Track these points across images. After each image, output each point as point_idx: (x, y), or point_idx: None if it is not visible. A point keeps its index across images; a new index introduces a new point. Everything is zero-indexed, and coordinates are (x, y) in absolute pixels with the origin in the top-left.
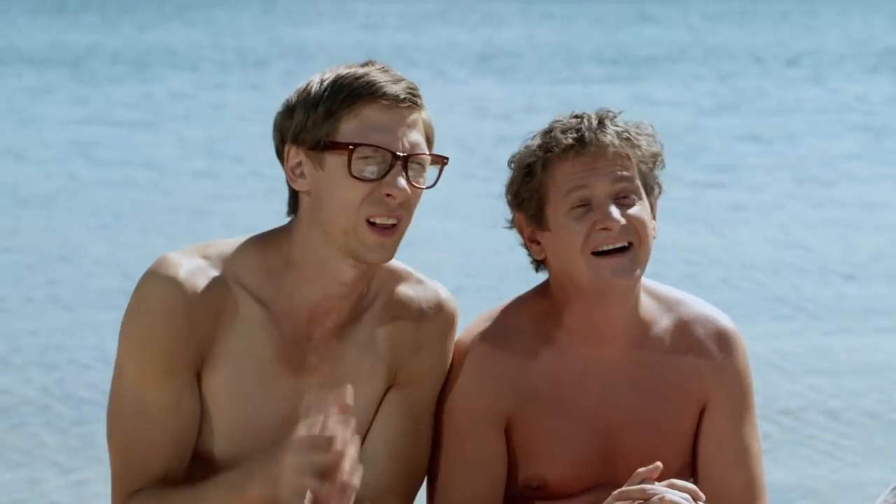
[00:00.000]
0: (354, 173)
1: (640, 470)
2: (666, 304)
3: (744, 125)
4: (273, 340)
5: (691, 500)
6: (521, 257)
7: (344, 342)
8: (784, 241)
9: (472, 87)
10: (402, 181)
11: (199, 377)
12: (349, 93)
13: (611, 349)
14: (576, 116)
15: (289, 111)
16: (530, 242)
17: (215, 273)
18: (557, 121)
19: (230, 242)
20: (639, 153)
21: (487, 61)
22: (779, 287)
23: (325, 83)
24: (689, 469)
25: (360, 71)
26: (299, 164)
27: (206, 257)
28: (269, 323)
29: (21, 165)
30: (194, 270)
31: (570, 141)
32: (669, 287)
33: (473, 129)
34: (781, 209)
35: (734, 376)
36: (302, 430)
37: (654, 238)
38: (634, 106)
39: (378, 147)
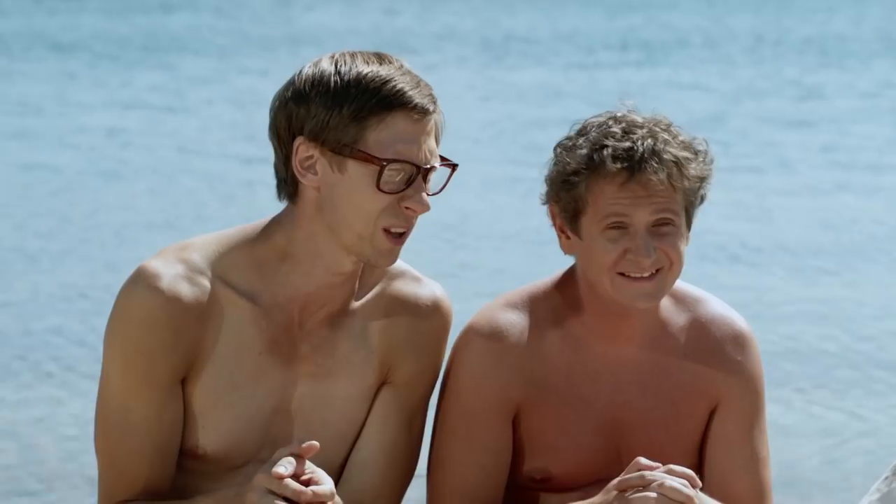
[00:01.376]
0: (382, 188)
1: (641, 460)
2: (684, 303)
3: (773, 110)
4: (262, 333)
5: (689, 485)
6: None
7: (337, 332)
8: (828, 225)
9: (492, 72)
10: (425, 196)
11: (186, 380)
12: (379, 100)
13: (626, 347)
14: (628, 132)
15: (300, 99)
16: (560, 232)
17: (197, 276)
18: (609, 130)
19: (211, 239)
20: (686, 184)
21: (500, 46)
22: (827, 272)
23: (347, 79)
24: (696, 470)
25: (383, 73)
26: (310, 158)
27: (185, 261)
28: (257, 316)
29: (60, 151)
30: (175, 278)
31: (618, 169)
32: (689, 285)
33: (502, 114)
34: (823, 194)
35: (746, 380)
36: (270, 468)
37: (686, 247)
38: (663, 92)
39: (405, 161)
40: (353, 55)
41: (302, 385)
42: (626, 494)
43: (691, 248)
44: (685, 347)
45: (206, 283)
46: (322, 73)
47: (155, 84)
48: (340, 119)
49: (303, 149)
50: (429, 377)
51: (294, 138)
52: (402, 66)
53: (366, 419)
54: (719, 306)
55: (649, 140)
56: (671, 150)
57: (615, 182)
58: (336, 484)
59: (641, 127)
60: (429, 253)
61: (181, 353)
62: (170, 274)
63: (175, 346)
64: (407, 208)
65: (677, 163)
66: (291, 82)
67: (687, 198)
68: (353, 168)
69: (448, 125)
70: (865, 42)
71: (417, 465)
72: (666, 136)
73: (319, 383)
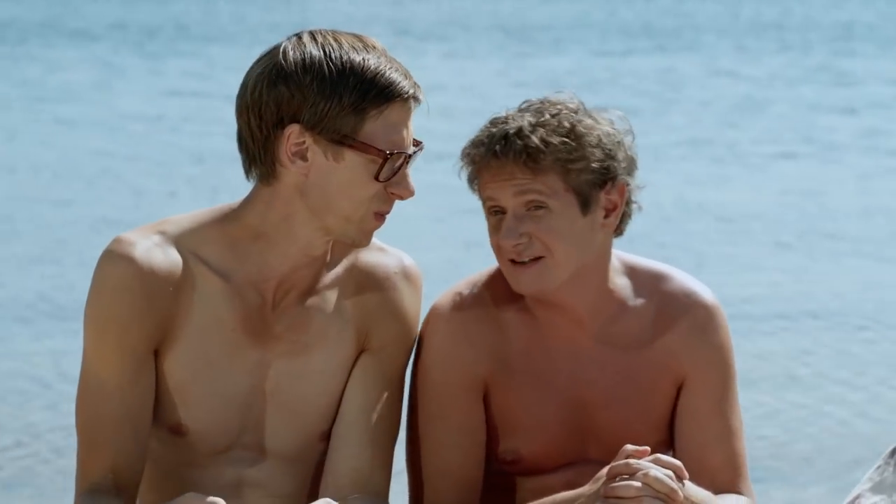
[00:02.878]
0: (381, 178)
1: (629, 447)
2: (646, 280)
3: (815, 96)
4: (235, 311)
5: (674, 476)
6: None
7: (309, 309)
8: (876, 209)
9: (521, 60)
10: (411, 181)
11: (160, 352)
12: (378, 91)
13: (581, 329)
14: (504, 120)
15: (293, 84)
16: None
17: (171, 248)
18: (494, 118)
19: (187, 217)
20: (547, 165)
21: (521, 33)
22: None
23: (341, 67)
24: (666, 445)
25: (373, 61)
26: (302, 144)
27: (161, 233)
28: (230, 294)
29: (105, 137)
30: (150, 247)
31: (474, 153)
32: (654, 262)
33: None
34: (868, 178)
35: (712, 352)
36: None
37: (612, 228)
38: (702, 79)
39: (402, 152)
40: (336, 38)
41: (277, 364)
42: (612, 483)
43: (725, 231)
44: (646, 325)
45: (181, 255)
46: (311, 57)
47: (188, 71)
48: (340, 109)
49: (294, 135)
50: (405, 343)
51: (282, 122)
52: (384, 51)
53: (344, 390)
54: (683, 281)
55: (512, 124)
56: (530, 134)
57: (477, 166)
58: (318, 459)
59: (527, 111)
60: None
61: (155, 321)
62: (144, 244)
63: (149, 314)
64: (392, 193)
65: (531, 147)
66: (276, 64)
67: (571, 180)
68: (351, 157)
69: (488, 113)
70: (887, 28)
71: (398, 435)
72: (535, 119)
73: (295, 360)
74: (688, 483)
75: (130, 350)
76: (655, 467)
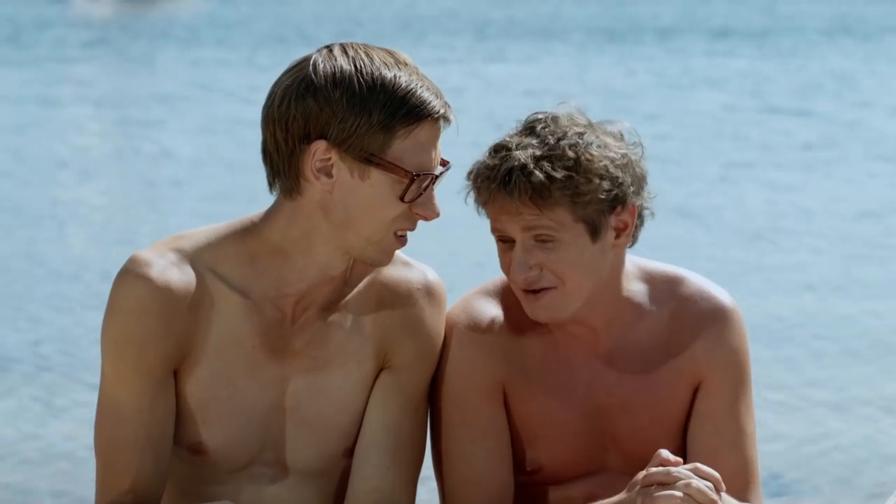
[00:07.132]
0: (406, 199)
1: (663, 453)
2: (662, 285)
3: None
4: (254, 327)
5: (714, 489)
6: None
7: (329, 325)
8: None
9: (643, 62)
10: (436, 202)
11: (179, 372)
12: (408, 110)
13: (597, 338)
14: (507, 148)
15: (322, 99)
16: None
17: (188, 266)
18: (500, 141)
19: (203, 231)
20: (554, 200)
21: (624, 34)
22: None
23: (372, 83)
24: (681, 452)
25: (404, 78)
26: (328, 161)
27: (178, 250)
28: (249, 310)
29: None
30: (166, 266)
31: (481, 188)
32: (669, 266)
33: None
34: None
35: (729, 355)
36: None
37: (624, 246)
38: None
39: (429, 173)
40: (367, 53)
41: (297, 380)
42: (651, 491)
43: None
44: (663, 329)
45: (198, 273)
46: (342, 71)
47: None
48: (369, 127)
49: (321, 151)
50: (428, 360)
51: (308, 137)
52: (416, 68)
53: (366, 408)
54: (699, 283)
55: (516, 158)
56: (534, 170)
57: (483, 198)
58: (342, 474)
59: (531, 136)
60: None
61: (173, 341)
62: (160, 262)
63: (167, 335)
64: (417, 214)
65: (536, 184)
66: (305, 76)
67: (578, 211)
68: (377, 177)
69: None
70: None
71: (424, 456)
72: (539, 151)
73: (315, 376)
74: (723, 495)
75: (148, 372)
76: (696, 478)
